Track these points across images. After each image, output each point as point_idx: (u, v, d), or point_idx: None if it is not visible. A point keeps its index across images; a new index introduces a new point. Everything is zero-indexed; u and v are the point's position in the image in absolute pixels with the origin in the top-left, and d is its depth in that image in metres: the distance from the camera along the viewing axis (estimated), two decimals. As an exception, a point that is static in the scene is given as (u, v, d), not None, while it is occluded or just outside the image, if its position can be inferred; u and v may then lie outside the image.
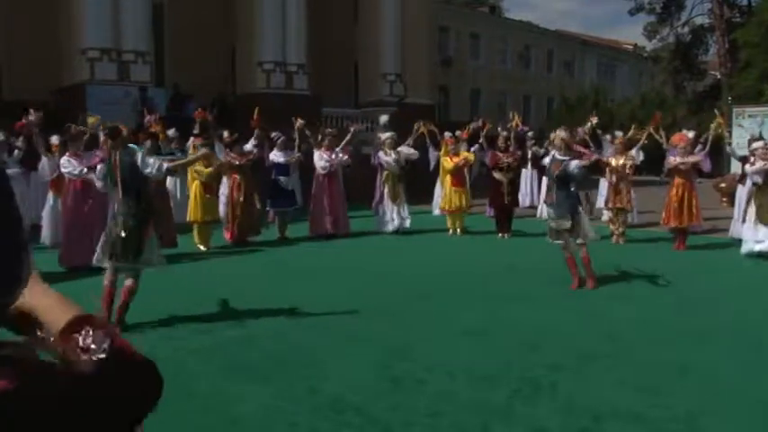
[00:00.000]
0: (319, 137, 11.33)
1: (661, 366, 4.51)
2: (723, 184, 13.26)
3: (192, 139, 11.01)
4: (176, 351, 4.83)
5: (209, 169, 9.35)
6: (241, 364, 4.54)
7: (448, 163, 11.11)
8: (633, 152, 10.82)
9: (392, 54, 23.92)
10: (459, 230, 11.21)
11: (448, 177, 11.12)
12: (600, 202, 12.59)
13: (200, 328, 5.46)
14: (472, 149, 13.73)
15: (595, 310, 6.09)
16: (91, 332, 0.85)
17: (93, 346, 0.83)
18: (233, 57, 21.96)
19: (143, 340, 5.11)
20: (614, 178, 10.06)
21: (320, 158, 10.73)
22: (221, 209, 10.83)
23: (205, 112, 11.03)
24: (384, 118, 12.67)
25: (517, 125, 12.91)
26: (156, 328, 5.49)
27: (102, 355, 0.83)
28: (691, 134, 10.47)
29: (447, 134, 12.92)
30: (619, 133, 11.32)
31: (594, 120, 12.24)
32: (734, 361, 4.64)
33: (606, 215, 11.29)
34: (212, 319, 5.75)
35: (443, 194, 11.51)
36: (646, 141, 11.20)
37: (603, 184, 12.18)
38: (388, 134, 11.50)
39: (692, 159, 9.53)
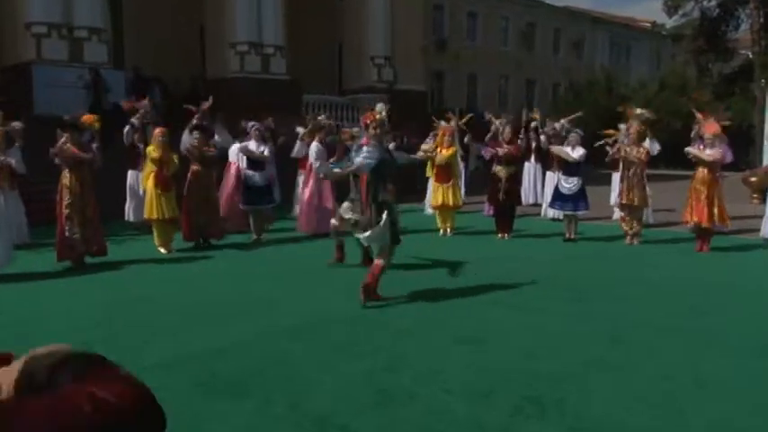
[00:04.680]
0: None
1: (676, 379, 4.58)
2: (753, 178, 13.34)
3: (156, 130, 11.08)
4: (139, 365, 4.85)
5: (155, 154, 9.27)
6: (213, 379, 4.58)
7: (443, 154, 11.16)
8: (647, 143, 10.90)
9: (381, 35, 23.98)
10: (449, 230, 11.28)
11: (434, 171, 11.23)
12: (612, 199, 12.71)
13: (167, 339, 5.49)
14: (465, 140, 13.82)
15: (601, 316, 6.18)
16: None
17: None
18: (202, 36, 21.92)
19: (104, 352, 5.12)
20: (627, 172, 10.11)
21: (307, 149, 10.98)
22: None
23: (132, 103, 11.40)
24: (380, 106, 12.72)
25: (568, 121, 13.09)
26: (114, 339, 5.51)
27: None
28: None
29: (443, 123, 13.02)
30: (634, 123, 11.37)
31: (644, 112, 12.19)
32: (758, 375, 4.70)
33: (618, 213, 11.39)
34: (180, 329, 5.78)
35: (432, 190, 11.59)
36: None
37: (615, 179, 12.32)
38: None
39: (708, 158, 9.35)
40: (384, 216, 6.36)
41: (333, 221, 6.86)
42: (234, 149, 11.15)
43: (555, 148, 10.89)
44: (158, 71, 19.61)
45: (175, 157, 9.58)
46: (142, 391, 0.89)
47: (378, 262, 6.51)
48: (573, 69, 36.82)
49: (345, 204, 6.84)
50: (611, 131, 12.25)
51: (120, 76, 18.13)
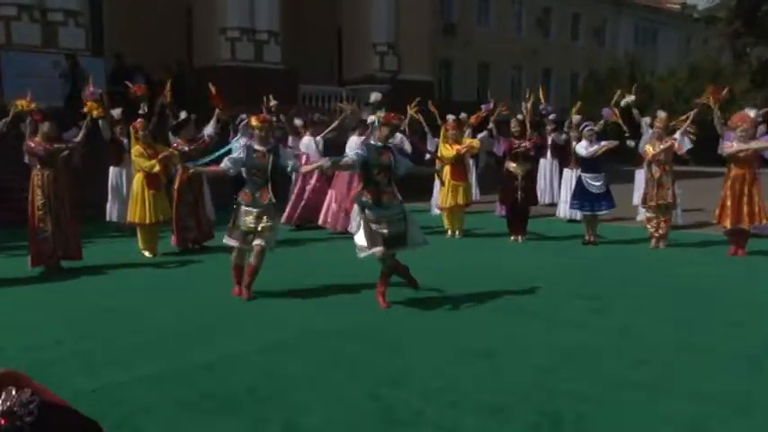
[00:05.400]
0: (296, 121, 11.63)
1: (713, 399, 4.54)
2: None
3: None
4: (123, 381, 4.87)
5: (150, 162, 9.28)
6: (202, 396, 4.58)
7: (447, 151, 11.16)
8: (677, 136, 10.83)
9: (384, 20, 23.99)
10: (458, 232, 11.29)
11: (447, 169, 11.21)
12: (635, 198, 12.69)
13: (153, 353, 5.49)
14: (479, 136, 13.80)
15: (625, 328, 6.16)
16: (13, 393, 0.86)
17: (16, 409, 0.85)
18: (189, 21, 21.96)
19: (82, 367, 5.14)
20: (653, 170, 10.04)
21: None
22: None
23: (145, 88, 11.11)
24: (375, 95, 12.78)
25: (539, 103, 12.99)
26: (92, 353, 5.52)
27: (30, 419, 0.84)
28: (752, 113, 10.40)
29: (450, 117, 13.00)
30: (662, 114, 11.36)
31: (631, 97, 12.29)
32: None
33: (643, 214, 11.38)
34: (166, 342, 5.79)
35: (441, 189, 11.58)
36: (692, 130, 11.22)
37: (639, 177, 12.32)
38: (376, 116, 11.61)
39: (756, 145, 9.33)
40: (362, 221, 6.58)
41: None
42: (305, 141, 12.05)
43: (586, 153, 10.55)
44: (141, 59, 19.61)
45: (171, 149, 9.59)
46: None
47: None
48: (593, 57, 36.78)
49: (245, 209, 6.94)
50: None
51: (100, 64, 18.06)
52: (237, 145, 7.39)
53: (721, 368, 5.17)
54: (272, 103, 12.03)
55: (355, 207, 6.94)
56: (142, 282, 8.22)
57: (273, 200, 6.95)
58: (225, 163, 7.01)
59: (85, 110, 10.12)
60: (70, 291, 7.78)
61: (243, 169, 7.01)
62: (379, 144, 6.68)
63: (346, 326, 6.21)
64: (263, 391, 4.66)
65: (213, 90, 10.51)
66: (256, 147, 6.94)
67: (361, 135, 11.04)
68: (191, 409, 4.37)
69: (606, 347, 5.61)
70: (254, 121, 7.02)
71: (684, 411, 4.33)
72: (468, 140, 11.42)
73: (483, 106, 13.64)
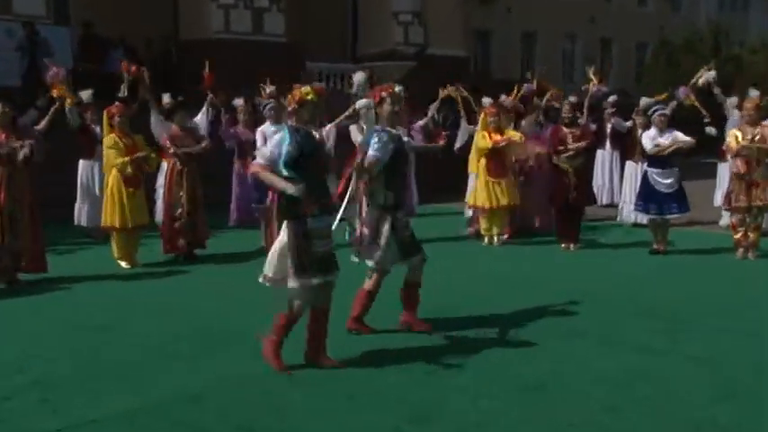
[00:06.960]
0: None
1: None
2: None
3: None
4: (93, 418, 4.89)
5: (123, 159, 9.31)
6: (188, 433, 4.59)
7: (483, 141, 11.09)
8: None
9: (408, -15, 23.95)
10: (496, 238, 11.23)
11: (483, 162, 11.15)
12: (717, 198, 12.57)
13: (130, 382, 5.51)
14: (522, 124, 13.73)
15: (706, 357, 6.11)
16: None
17: None
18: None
19: (43, 402, 5.16)
20: (740, 164, 9.90)
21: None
22: (158, 205, 10.90)
23: (135, 65, 10.98)
24: (359, 76, 12.63)
25: (594, 85, 12.91)
26: (57, 381, 5.55)
27: None
28: None
29: (486, 100, 12.96)
30: (754, 93, 11.23)
31: (711, 73, 12.12)
32: None
33: (727, 217, 11.27)
34: (145, 369, 5.81)
35: (476, 186, 11.48)
36: None
37: (723, 172, 12.21)
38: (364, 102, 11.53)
39: None
40: (386, 227, 6.40)
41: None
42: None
43: (650, 149, 10.39)
44: (116, 30, 19.68)
45: (147, 148, 9.63)
46: None
47: (364, 286, 6.68)
48: (666, 25, 36.42)
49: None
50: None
51: (65, 34, 18.03)
52: (279, 134, 5.66)
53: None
54: (270, 89, 11.92)
55: (365, 212, 6.67)
56: (118, 297, 8.24)
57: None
58: (270, 156, 5.47)
59: (54, 95, 10.18)
60: (30, 308, 7.81)
61: (285, 165, 5.49)
62: (390, 128, 6.52)
63: (364, 349, 6.20)
64: (262, 427, 4.67)
65: (207, 71, 10.49)
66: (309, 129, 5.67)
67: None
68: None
69: (680, 378, 5.58)
70: (305, 92, 5.61)
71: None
72: (509, 132, 11.27)
73: (525, 86, 13.57)
